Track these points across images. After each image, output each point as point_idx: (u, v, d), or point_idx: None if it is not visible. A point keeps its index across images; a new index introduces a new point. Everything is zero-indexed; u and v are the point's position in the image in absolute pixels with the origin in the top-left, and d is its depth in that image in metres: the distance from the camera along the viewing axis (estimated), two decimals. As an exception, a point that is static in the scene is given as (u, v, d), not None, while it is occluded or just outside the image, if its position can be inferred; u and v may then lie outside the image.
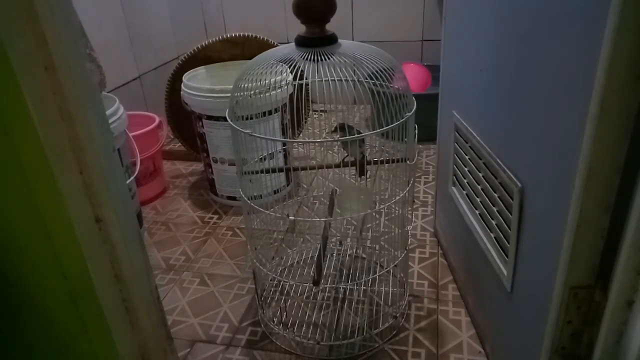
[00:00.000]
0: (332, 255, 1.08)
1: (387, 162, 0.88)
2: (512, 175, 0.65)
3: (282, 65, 0.77)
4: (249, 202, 0.82)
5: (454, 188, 0.95)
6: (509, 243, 0.67)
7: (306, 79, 0.74)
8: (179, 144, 1.55)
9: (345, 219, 1.13)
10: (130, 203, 0.58)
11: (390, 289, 0.99)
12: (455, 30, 0.90)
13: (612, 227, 0.47)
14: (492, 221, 0.74)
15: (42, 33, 0.42)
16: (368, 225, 1.19)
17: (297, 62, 0.74)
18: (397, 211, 0.88)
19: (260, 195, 0.86)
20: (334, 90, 0.75)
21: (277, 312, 0.94)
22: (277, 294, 0.99)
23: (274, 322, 0.91)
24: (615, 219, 0.46)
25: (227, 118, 0.79)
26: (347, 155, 0.89)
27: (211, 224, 1.26)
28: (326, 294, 0.99)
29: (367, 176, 1.03)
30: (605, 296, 0.48)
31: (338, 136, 0.82)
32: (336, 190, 1.00)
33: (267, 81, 0.79)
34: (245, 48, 1.41)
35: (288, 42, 0.77)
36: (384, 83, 0.77)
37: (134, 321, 0.58)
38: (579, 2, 0.47)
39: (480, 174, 0.78)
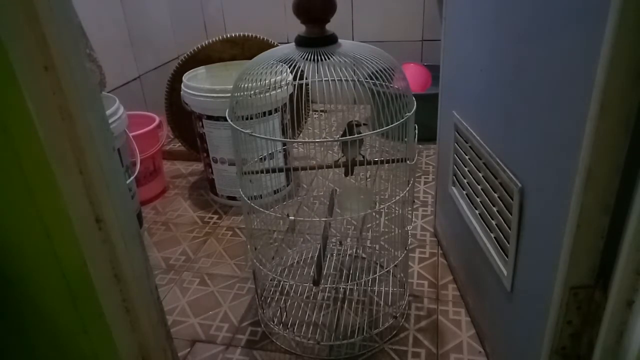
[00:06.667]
0: (332, 255, 1.08)
1: (387, 162, 0.88)
2: (512, 175, 0.65)
3: (282, 65, 0.77)
4: (249, 202, 0.82)
5: (454, 188, 0.95)
6: (509, 243, 0.67)
7: (306, 79, 0.74)
8: (179, 144, 1.55)
9: (345, 219, 1.13)
10: (130, 203, 0.58)
11: (390, 289, 0.99)
12: (455, 30, 0.90)
13: (612, 227, 0.47)
14: (492, 221, 0.74)
15: (42, 33, 0.42)
16: (368, 225, 1.19)
17: (297, 62, 0.74)
18: (397, 211, 0.88)
19: (260, 195, 0.86)
20: (334, 90, 0.75)
21: (277, 312, 0.94)
22: (277, 294, 0.99)
23: (274, 322, 0.91)
24: (615, 219, 0.46)
25: (227, 118, 0.79)
26: (342, 156, 0.89)
27: (211, 224, 1.26)
28: (326, 294, 0.99)
29: (367, 176, 1.03)
30: (605, 296, 0.48)
31: (339, 136, 0.82)
32: (336, 190, 1.00)
33: (267, 81, 0.79)
34: (245, 48, 1.41)
35: (288, 42, 0.77)
36: (384, 83, 0.77)
37: (134, 321, 0.58)
38: (579, 1, 0.47)
39: (480, 174, 0.78)
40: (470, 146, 0.82)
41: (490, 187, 0.74)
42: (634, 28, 0.39)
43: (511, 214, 0.65)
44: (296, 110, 1.30)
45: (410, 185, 0.83)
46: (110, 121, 1.03)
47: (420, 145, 1.59)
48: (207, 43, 1.36)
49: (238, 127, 0.77)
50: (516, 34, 0.62)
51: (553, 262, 0.52)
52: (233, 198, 1.33)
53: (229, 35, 1.37)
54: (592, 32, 0.43)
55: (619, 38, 0.40)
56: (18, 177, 0.46)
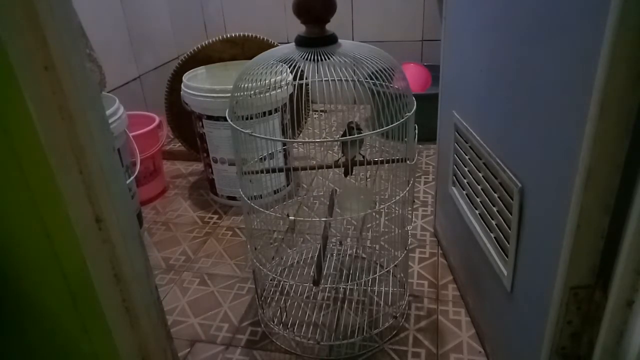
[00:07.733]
0: (332, 255, 1.08)
1: (387, 162, 0.88)
2: (512, 175, 0.65)
3: (282, 65, 0.77)
4: (249, 202, 0.82)
5: (454, 188, 0.95)
6: (509, 243, 0.67)
7: (306, 79, 0.74)
8: (179, 144, 1.55)
9: (345, 219, 1.13)
10: (130, 203, 0.58)
11: (390, 289, 0.98)
12: (455, 30, 0.90)
13: (612, 227, 0.47)
14: (492, 221, 0.74)
15: (42, 33, 0.42)
16: (368, 225, 1.19)
17: (297, 62, 0.74)
18: (397, 211, 0.88)
19: (260, 195, 0.86)
20: (334, 90, 0.75)
21: (277, 312, 0.94)
22: (277, 294, 0.99)
23: (274, 322, 0.91)
24: (616, 219, 0.46)
25: (227, 118, 0.79)
26: (342, 156, 0.89)
27: (211, 224, 1.26)
28: (326, 294, 0.99)
29: (367, 176, 1.03)
30: (605, 296, 0.48)
31: (339, 136, 0.82)
32: (336, 190, 1.00)
33: (267, 81, 0.79)
34: (245, 48, 1.41)
35: (288, 42, 0.77)
36: (384, 83, 0.77)
37: (134, 321, 0.58)
38: (579, 2, 0.47)
39: (480, 174, 0.78)
40: (470, 146, 0.82)
41: (490, 187, 0.74)
42: (634, 28, 0.39)
43: (511, 214, 0.65)
44: (296, 110, 1.30)
45: (410, 185, 0.83)
46: (110, 121, 1.03)
47: (420, 145, 1.59)
48: (207, 43, 1.36)
49: (238, 127, 0.77)
50: (516, 34, 0.62)
51: (553, 262, 0.52)
52: (233, 198, 1.33)
53: (229, 35, 1.37)
54: (592, 32, 0.43)
55: (619, 38, 0.40)
56: (18, 177, 0.46)
